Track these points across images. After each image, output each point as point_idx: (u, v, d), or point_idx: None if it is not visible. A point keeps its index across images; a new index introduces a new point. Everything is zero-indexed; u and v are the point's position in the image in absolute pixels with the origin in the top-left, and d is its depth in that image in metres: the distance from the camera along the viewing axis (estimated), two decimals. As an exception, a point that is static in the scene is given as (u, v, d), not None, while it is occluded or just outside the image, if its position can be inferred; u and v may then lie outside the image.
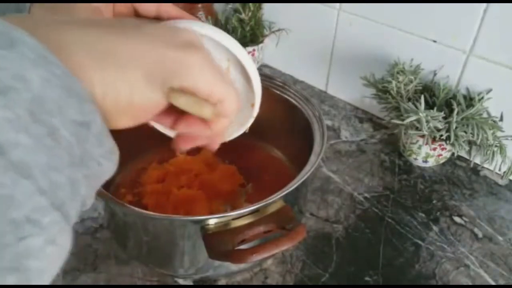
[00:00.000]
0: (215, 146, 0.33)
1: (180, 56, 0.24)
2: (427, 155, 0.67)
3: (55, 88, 0.18)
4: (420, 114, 0.60)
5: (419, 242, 0.57)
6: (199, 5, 0.90)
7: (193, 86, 0.24)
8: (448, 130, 0.62)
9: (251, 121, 0.42)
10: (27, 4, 0.39)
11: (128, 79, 0.22)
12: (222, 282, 0.52)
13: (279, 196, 0.43)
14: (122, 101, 0.22)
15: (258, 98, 0.40)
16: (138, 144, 0.64)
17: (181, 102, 0.25)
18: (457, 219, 0.61)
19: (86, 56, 0.21)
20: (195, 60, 0.24)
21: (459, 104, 0.62)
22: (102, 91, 0.21)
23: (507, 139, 0.63)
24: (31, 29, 0.18)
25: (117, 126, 0.23)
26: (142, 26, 0.25)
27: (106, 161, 0.21)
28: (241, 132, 0.43)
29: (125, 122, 0.24)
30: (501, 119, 0.64)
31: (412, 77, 0.66)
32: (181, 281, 0.52)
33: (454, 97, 0.64)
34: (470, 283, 0.52)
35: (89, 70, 0.21)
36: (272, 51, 0.93)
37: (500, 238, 0.58)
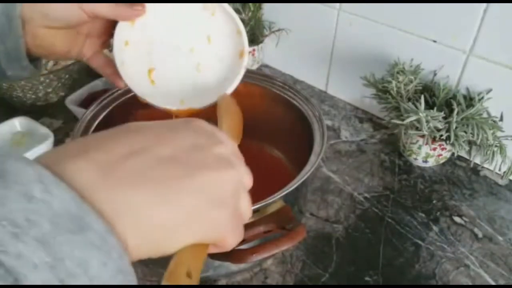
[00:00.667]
0: None
1: (212, 215, 0.25)
2: (427, 155, 0.67)
3: (110, 271, 0.19)
4: (420, 114, 0.60)
5: (419, 242, 0.57)
6: (199, 5, 0.90)
7: (202, 241, 0.25)
8: (448, 130, 0.62)
9: (243, 71, 0.46)
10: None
11: (154, 244, 0.23)
12: (222, 282, 0.52)
13: (279, 196, 0.43)
14: (143, 255, 0.23)
15: (247, 44, 0.46)
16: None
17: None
18: (457, 219, 0.61)
19: (132, 227, 0.21)
20: (216, 217, 0.25)
21: (459, 104, 0.62)
22: (135, 249, 0.22)
23: (507, 139, 0.63)
24: (90, 188, 0.20)
25: None
26: (193, 173, 0.24)
27: None
28: (236, 83, 0.47)
29: None
30: (501, 119, 0.64)
31: (412, 77, 0.66)
32: (181, 281, 0.52)
33: (454, 97, 0.64)
34: (470, 283, 0.52)
35: (129, 238, 0.21)
36: (272, 51, 0.93)
37: (500, 238, 0.58)
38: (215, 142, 0.27)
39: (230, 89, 0.47)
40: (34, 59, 0.44)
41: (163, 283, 0.23)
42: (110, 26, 0.45)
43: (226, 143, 0.28)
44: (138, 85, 0.45)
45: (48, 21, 0.40)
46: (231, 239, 0.26)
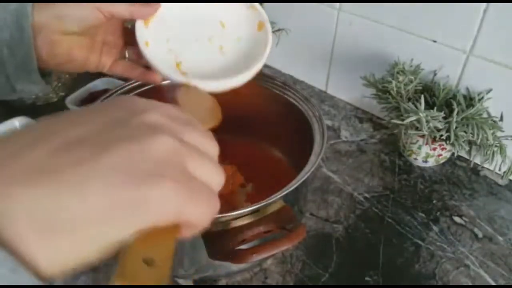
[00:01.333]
0: None
1: (136, 195, 0.19)
2: (427, 155, 0.67)
3: None
4: (420, 114, 0.60)
5: (419, 242, 0.57)
6: (199, 5, 0.90)
7: (153, 223, 0.20)
8: (448, 130, 0.62)
9: (270, 40, 0.48)
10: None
11: (77, 247, 0.19)
12: (222, 282, 0.52)
13: (279, 196, 0.43)
14: (71, 265, 0.19)
15: (263, 14, 0.48)
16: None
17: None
18: (457, 219, 0.61)
19: (28, 226, 0.17)
20: (158, 193, 0.20)
21: (459, 104, 0.62)
22: (47, 264, 0.18)
23: (507, 139, 0.63)
24: None
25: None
26: (102, 152, 0.20)
27: None
28: (266, 55, 0.48)
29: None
30: (501, 119, 0.64)
31: (412, 77, 0.66)
32: (181, 281, 0.52)
33: (454, 97, 0.64)
34: (470, 283, 0.52)
35: (32, 243, 0.17)
36: (272, 51, 0.92)
37: (500, 238, 0.58)
38: (140, 111, 0.22)
39: (261, 62, 0.47)
40: (45, 74, 0.43)
41: (115, 282, 0.19)
42: (124, 33, 0.46)
43: (157, 109, 0.23)
44: (173, 78, 0.45)
45: (64, 25, 0.40)
46: (197, 214, 0.22)
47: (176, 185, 0.20)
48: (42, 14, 0.39)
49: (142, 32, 0.43)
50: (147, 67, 0.45)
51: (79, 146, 0.19)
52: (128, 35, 0.45)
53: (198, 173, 0.22)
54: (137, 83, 0.62)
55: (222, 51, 0.49)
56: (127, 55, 0.47)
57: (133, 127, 0.21)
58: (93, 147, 0.20)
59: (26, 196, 0.17)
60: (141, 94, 0.63)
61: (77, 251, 0.19)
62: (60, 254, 0.18)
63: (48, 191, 0.18)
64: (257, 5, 0.48)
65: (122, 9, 0.41)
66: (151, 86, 0.63)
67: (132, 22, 0.44)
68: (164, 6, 0.44)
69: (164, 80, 0.45)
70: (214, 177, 0.24)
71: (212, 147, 0.25)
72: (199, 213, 0.22)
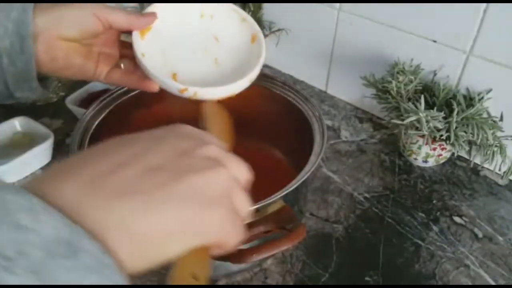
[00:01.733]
0: None
1: (199, 218, 0.24)
2: (427, 155, 0.67)
3: None
4: (420, 114, 0.60)
5: (419, 242, 0.57)
6: (199, 5, 0.90)
7: (203, 243, 0.25)
8: (448, 130, 0.62)
9: (264, 53, 0.48)
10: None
11: (151, 253, 0.23)
12: (222, 282, 0.52)
13: (279, 196, 0.43)
14: (142, 266, 0.23)
15: (256, 27, 0.48)
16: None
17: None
18: (457, 219, 0.61)
19: (119, 232, 0.21)
20: (211, 218, 0.24)
21: (459, 104, 0.62)
22: (128, 261, 0.22)
23: (507, 139, 0.63)
24: (78, 207, 0.20)
25: None
26: (177, 179, 0.24)
27: None
28: (258, 68, 0.48)
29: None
30: (501, 119, 0.64)
31: (412, 77, 0.66)
32: (181, 281, 0.52)
33: (454, 97, 0.64)
34: (470, 283, 0.52)
35: (121, 245, 0.21)
36: (272, 51, 0.93)
37: (500, 238, 0.58)
38: (200, 144, 0.27)
39: (255, 71, 0.48)
40: (42, 79, 0.43)
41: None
42: (120, 45, 0.46)
43: (212, 143, 0.27)
44: (171, 85, 0.45)
45: (63, 29, 0.40)
46: (231, 238, 0.26)
47: (227, 214, 0.25)
48: (42, 18, 0.39)
49: (139, 43, 0.44)
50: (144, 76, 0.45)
51: (159, 172, 0.24)
52: (124, 48, 0.46)
53: (239, 204, 0.27)
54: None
55: (217, 62, 0.49)
56: (122, 66, 0.47)
57: (198, 159, 0.26)
58: (169, 175, 0.24)
59: (121, 209, 0.21)
60: (141, 94, 0.63)
61: (149, 256, 0.23)
62: (139, 256, 0.22)
63: (136, 206, 0.22)
64: (248, 17, 0.48)
65: (119, 18, 0.42)
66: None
67: (128, 34, 0.44)
68: (159, 19, 0.45)
69: (160, 88, 0.46)
70: (247, 208, 0.28)
71: (245, 176, 0.29)
72: (233, 238, 0.26)
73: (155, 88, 0.46)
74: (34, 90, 0.42)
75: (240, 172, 0.28)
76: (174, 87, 0.43)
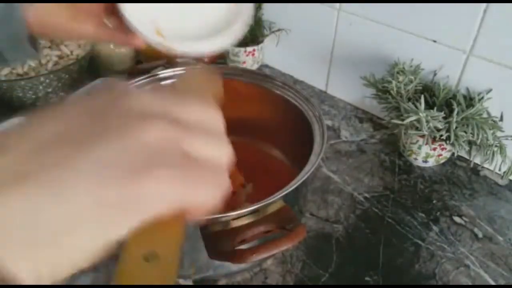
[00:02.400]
0: None
1: (124, 192, 0.17)
2: (427, 155, 0.67)
3: None
4: (420, 114, 0.60)
5: (419, 242, 0.57)
6: (199, 5, 0.90)
7: (153, 215, 0.19)
8: (448, 130, 0.62)
9: (248, 11, 0.47)
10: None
11: (65, 255, 0.17)
12: (222, 282, 0.52)
13: (279, 196, 0.43)
14: (63, 273, 0.17)
15: None
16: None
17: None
18: (457, 219, 0.61)
19: (3, 239, 0.16)
20: (152, 185, 0.18)
21: (459, 104, 0.62)
22: (33, 277, 0.16)
23: (507, 139, 0.63)
24: None
25: None
26: (81, 149, 0.18)
27: None
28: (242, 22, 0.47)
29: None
30: (501, 119, 0.64)
31: (412, 77, 0.66)
32: (181, 281, 0.52)
33: (454, 97, 0.64)
34: (470, 283, 0.52)
35: (10, 257, 0.16)
36: (272, 51, 0.93)
37: (500, 238, 0.58)
38: (123, 96, 0.20)
39: (241, 25, 0.48)
40: (31, 41, 0.43)
41: (116, 282, 0.18)
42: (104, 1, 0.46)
43: (137, 94, 0.21)
44: (152, 39, 0.45)
45: None
46: (196, 198, 0.20)
47: (170, 174, 0.19)
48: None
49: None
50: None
51: (55, 145, 0.17)
52: (109, 5, 0.46)
53: (200, 153, 0.20)
54: (136, 83, 0.62)
55: (202, 16, 0.49)
56: (109, 24, 0.47)
57: (116, 116, 0.19)
58: (71, 145, 0.17)
59: (10, 203, 0.16)
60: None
61: (66, 259, 0.17)
62: (45, 265, 0.16)
63: (22, 198, 0.16)
64: None
65: None
66: (151, 86, 0.63)
67: None
68: None
69: (145, 43, 0.46)
70: (220, 153, 0.22)
71: (215, 120, 0.22)
72: (204, 196, 0.20)
73: (140, 43, 0.46)
74: (26, 52, 0.43)
75: (198, 113, 0.22)
76: (156, 41, 0.43)
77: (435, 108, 0.62)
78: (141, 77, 0.62)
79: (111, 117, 0.19)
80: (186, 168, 0.19)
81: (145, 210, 0.18)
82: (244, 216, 0.42)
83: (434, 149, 0.66)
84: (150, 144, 0.19)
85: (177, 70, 0.64)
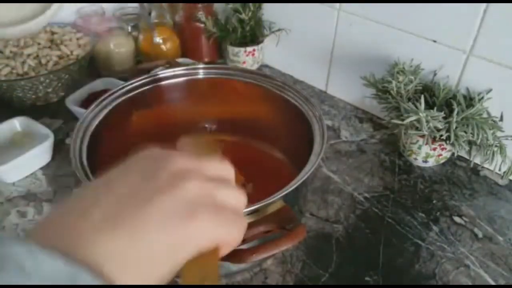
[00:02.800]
0: None
1: (183, 234, 0.24)
2: (427, 155, 0.67)
3: None
4: (420, 114, 0.60)
5: (419, 242, 0.57)
6: (199, 5, 0.90)
7: (197, 250, 0.25)
8: (448, 130, 0.62)
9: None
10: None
11: (148, 274, 0.23)
12: (222, 282, 0.52)
13: (279, 196, 0.43)
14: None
15: None
16: (138, 144, 0.64)
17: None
18: (457, 219, 0.61)
19: (112, 262, 0.22)
20: (197, 225, 0.25)
21: (459, 104, 0.62)
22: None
23: (507, 139, 0.63)
24: (72, 240, 0.22)
25: None
26: (141, 205, 0.25)
27: None
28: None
29: None
30: (501, 119, 0.64)
31: (412, 77, 0.66)
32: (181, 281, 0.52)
33: (454, 97, 0.64)
34: (470, 283, 0.52)
35: (117, 275, 0.22)
36: (272, 51, 0.93)
37: (500, 238, 0.58)
38: (163, 162, 0.27)
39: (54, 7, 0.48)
40: None
41: None
42: None
43: (173, 157, 0.27)
44: None
45: None
46: (227, 235, 0.27)
47: (209, 218, 0.25)
48: None
49: None
50: None
51: (128, 201, 0.24)
52: None
53: (225, 200, 0.27)
54: (136, 83, 0.62)
55: (17, 7, 0.48)
56: None
57: (162, 179, 0.26)
58: (138, 201, 0.24)
59: (107, 240, 0.22)
60: (141, 94, 0.63)
61: (148, 276, 0.23)
62: (139, 279, 0.23)
63: (120, 233, 0.23)
64: None
65: None
66: (151, 86, 0.63)
67: None
68: None
69: None
70: (238, 199, 0.28)
71: (229, 172, 0.29)
72: (231, 234, 0.27)
73: None
74: None
75: (217, 169, 0.29)
76: None
77: (435, 108, 0.62)
78: (141, 77, 0.62)
79: (157, 180, 0.26)
80: (219, 213, 0.26)
81: (196, 244, 0.25)
82: (244, 216, 0.42)
83: (434, 149, 0.66)
84: (192, 197, 0.25)
85: (177, 70, 0.64)
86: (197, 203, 0.25)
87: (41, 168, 0.68)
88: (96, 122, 0.54)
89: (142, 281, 0.23)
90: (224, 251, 0.27)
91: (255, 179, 0.62)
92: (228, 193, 0.28)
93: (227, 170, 0.30)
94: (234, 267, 0.49)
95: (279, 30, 0.88)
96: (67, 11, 0.90)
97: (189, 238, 0.25)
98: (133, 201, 0.24)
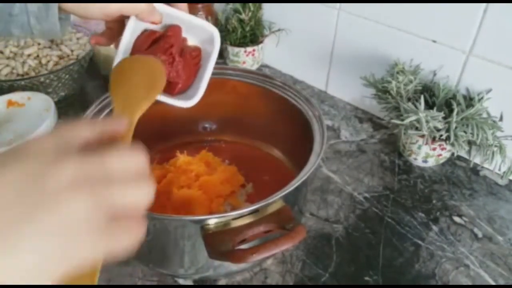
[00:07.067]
0: None
1: (60, 257, 0.23)
2: (427, 155, 0.67)
3: None
4: (420, 114, 0.61)
5: (419, 242, 0.57)
6: (199, 5, 0.90)
7: (80, 266, 0.24)
8: (448, 130, 0.62)
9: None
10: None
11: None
12: (222, 282, 0.52)
13: (279, 196, 0.43)
14: None
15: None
16: (138, 144, 0.64)
17: None
18: (457, 219, 0.61)
19: None
20: (76, 251, 0.23)
21: (459, 104, 0.63)
22: None
23: (507, 139, 0.63)
24: None
25: None
26: (27, 217, 0.22)
27: None
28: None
29: None
30: (501, 119, 0.64)
31: (412, 77, 0.66)
32: (181, 281, 0.52)
33: (454, 97, 0.64)
34: (470, 283, 0.52)
35: None
36: (272, 51, 0.93)
37: (500, 238, 0.58)
38: (53, 165, 0.23)
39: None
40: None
41: None
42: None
43: (67, 159, 0.24)
44: None
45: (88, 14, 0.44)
46: (117, 249, 0.25)
47: (92, 239, 0.23)
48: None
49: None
50: None
51: (5, 212, 0.22)
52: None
53: (121, 202, 0.25)
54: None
55: None
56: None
57: (48, 190, 0.23)
58: (16, 214, 0.22)
59: None
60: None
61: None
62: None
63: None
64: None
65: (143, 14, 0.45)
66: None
67: None
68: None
69: None
70: (138, 197, 0.26)
71: (134, 164, 0.26)
72: (125, 242, 0.25)
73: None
74: (54, 25, 0.44)
75: (123, 162, 0.25)
76: None
77: (435, 108, 0.62)
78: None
79: (45, 190, 0.23)
80: (108, 228, 0.24)
81: (74, 265, 0.23)
82: (244, 216, 0.42)
83: (434, 149, 0.66)
84: (77, 218, 0.23)
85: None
86: (81, 226, 0.23)
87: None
88: (96, 122, 0.54)
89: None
90: (116, 258, 0.25)
91: (255, 179, 0.62)
92: (123, 194, 0.25)
93: (133, 161, 0.26)
94: (234, 267, 0.49)
95: (279, 30, 0.88)
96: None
97: (66, 260, 0.23)
98: (10, 214, 0.22)
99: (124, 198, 0.25)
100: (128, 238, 0.25)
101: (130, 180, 0.25)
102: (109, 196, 0.24)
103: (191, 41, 0.49)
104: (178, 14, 0.46)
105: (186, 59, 0.47)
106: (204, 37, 0.48)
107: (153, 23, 0.46)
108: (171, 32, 0.46)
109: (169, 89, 0.47)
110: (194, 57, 0.48)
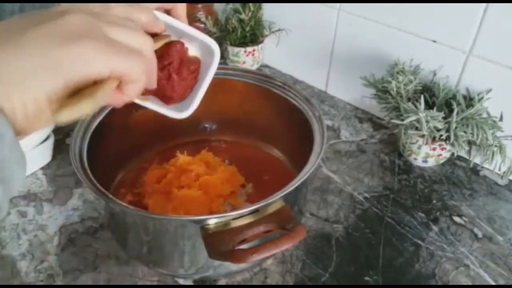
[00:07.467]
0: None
1: (64, 53, 0.25)
2: (427, 155, 0.67)
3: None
4: (420, 114, 0.61)
5: (419, 242, 0.57)
6: (199, 5, 0.90)
7: (88, 76, 0.26)
8: (448, 130, 0.62)
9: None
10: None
11: (28, 98, 0.24)
12: (222, 282, 0.52)
13: (279, 196, 0.43)
14: (31, 116, 0.24)
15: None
16: (138, 144, 0.64)
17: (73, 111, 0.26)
18: (457, 219, 0.61)
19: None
20: (80, 50, 0.25)
21: (459, 104, 0.63)
22: (10, 107, 0.23)
23: (507, 139, 0.63)
24: None
25: (33, 132, 0.26)
26: (24, 30, 0.25)
27: (18, 167, 0.24)
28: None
29: (39, 127, 0.26)
30: (501, 119, 0.64)
31: (412, 77, 0.66)
32: (181, 281, 0.52)
33: (454, 97, 0.64)
34: (470, 283, 0.52)
35: None
36: (272, 51, 0.93)
37: (500, 238, 0.58)
38: (61, 13, 0.27)
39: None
40: None
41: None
42: None
43: (70, 10, 0.28)
44: None
45: None
46: (126, 68, 0.27)
47: (97, 44, 0.26)
48: None
49: None
50: None
51: (11, 27, 0.25)
52: None
53: (122, 39, 0.27)
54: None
55: None
56: None
57: (46, 15, 0.26)
58: (21, 28, 0.25)
59: None
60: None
61: (27, 97, 0.24)
62: (16, 101, 0.23)
63: (2, 49, 0.23)
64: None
65: None
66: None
67: None
68: None
69: None
70: (140, 42, 0.29)
71: (139, 17, 0.30)
72: (131, 68, 0.27)
73: None
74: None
75: (127, 12, 0.29)
76: None
77: (435, 108, 0.62)
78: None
79: (44, 15, 0.26)
80: (108, 45, 0.26)
81: (83, 67, 0.25)
82: (244, 216, 0.42)
83: (434, 149, 0.66)
84: (75, 28, 0.26)
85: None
86: (81, 31, 0.26)
87: (42, 168, 0.68)
88: (96, 122, 0.54)
89: (31, 93, 0.23)
90: (130, 87, 0.28)
91: (255, 179, 0.62)
92: (127, 32, 0.28)
93: (137, 14, 0.30)
94: (234, 267, 0.49)
95: (279, 30, 0.88)
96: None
97: (74, 59, 0.25)
98: (17, 27, 0.25)
99: (125, 35, 0.28)
100: (135, 61, 0.27)
101: (132, 27, 0.28)
102: (108, 26, 0.27)
103: (192, 51, 0.48)
104: (179, 25, 0.46)
105: (182, 75, 0.46)
106: (204, 49, 0.48)
107: (155, 34, 0.45)
108: (173, 51, 0.45)
109: (164, 101, 0.47)
110: (192, 71, 0.48)
